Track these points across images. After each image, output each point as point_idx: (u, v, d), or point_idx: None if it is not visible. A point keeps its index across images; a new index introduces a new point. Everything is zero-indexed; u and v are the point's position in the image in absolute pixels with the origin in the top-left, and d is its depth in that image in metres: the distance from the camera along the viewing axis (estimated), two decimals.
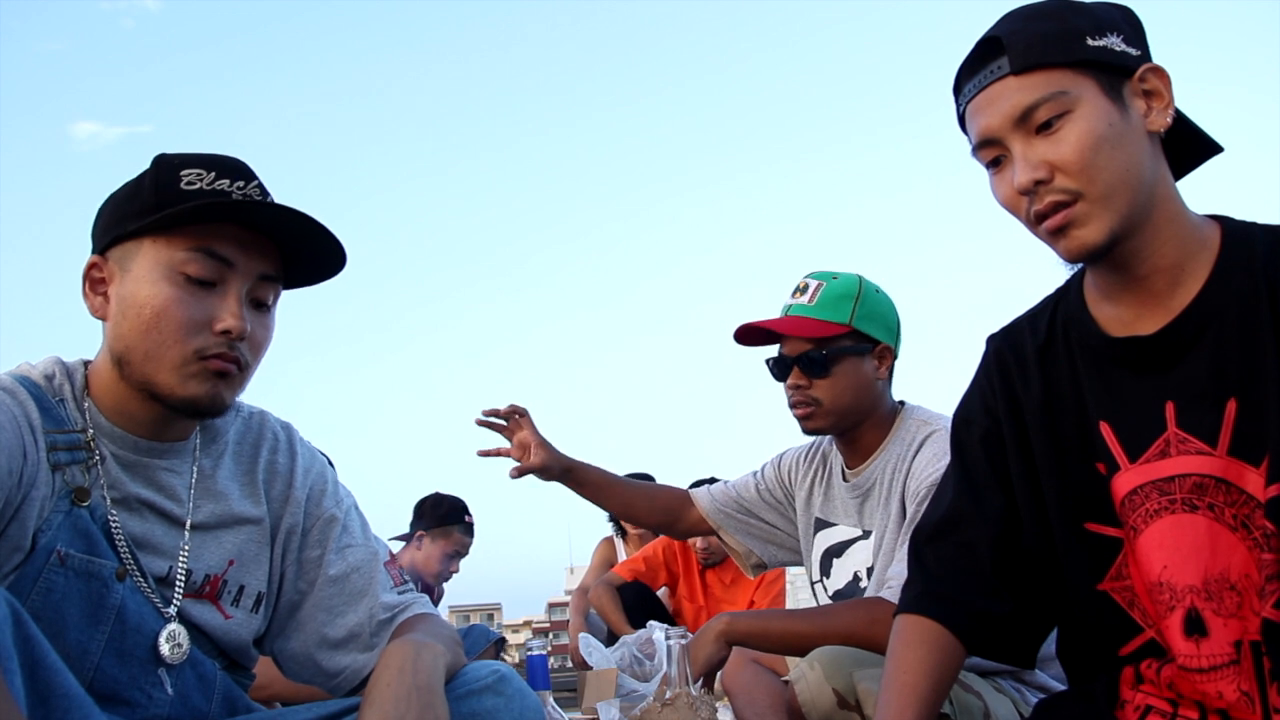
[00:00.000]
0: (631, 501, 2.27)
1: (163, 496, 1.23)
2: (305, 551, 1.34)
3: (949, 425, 1.86)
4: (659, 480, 4.71)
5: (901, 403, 2.01)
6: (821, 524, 2.06)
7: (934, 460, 1.80)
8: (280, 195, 1.31)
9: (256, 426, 1.37)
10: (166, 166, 1.21)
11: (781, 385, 2.00)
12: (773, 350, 2.03)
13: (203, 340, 1.17)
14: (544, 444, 2.13)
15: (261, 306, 1.25)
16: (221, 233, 1.19)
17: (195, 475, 1.26)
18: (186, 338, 1.17)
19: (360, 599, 1.32)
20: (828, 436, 2.08)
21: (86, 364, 1.26)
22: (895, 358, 1.99)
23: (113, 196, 1.24)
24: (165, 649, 1.17)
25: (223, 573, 1.26)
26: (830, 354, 1.90)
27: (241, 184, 1.21)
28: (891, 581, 1.74)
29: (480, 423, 2.16)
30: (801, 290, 1.97)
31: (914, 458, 1.86)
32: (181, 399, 1.18)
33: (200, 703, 1.22)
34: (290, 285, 1.31)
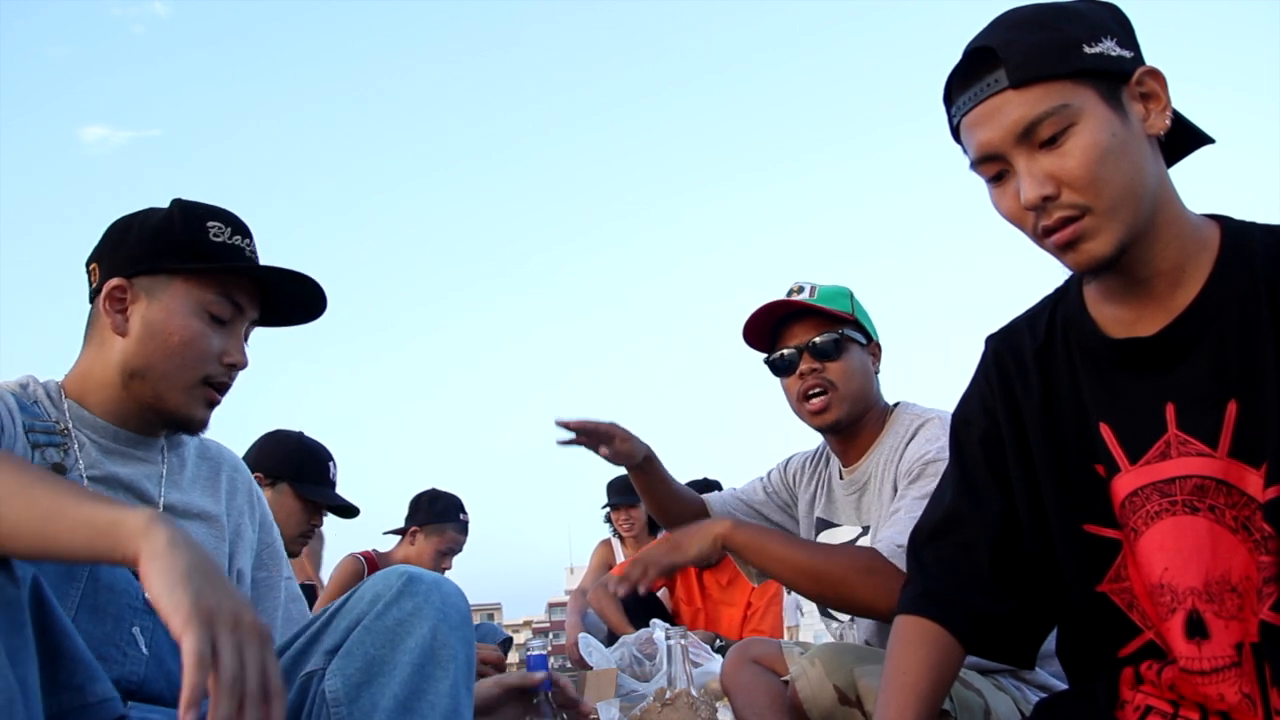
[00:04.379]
0: (668, 506, 2.26)
1: (139, 476, 1.35)
2: (256, 571, 1.49)
3: (944, 416, 1.90)
4: None
5: (897, 403, 2.05)
6: (824, 524, 2.08)
7: (928, 442, 1.83)
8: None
9: (215, 448, 1.52)
10: (192, 215, 1.39)
11: (783, 387, 2.03)
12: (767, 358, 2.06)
13: (212, 368, 1.37)
14: (629, 434, 2.08)
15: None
16: (239, 283, 1.40)
17: (165, 467, 1.40)
18: (203, 364, 1.36)
19: (294, 625, 1.44)
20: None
21: (59, 382, 1.38)
22: (880, 359, 2.07)
23: (138, 225, 1.39)
24: None
25: None
26: (842, 336, 1.97)
27: (248, 241, 1.43)
28: (882, 542, 1.71)
29: (565, 425, 2.05)
30: (798, 290, 2.02)
31: (907, 446, 1.89)
32: (184, 417, 1.37)
33: (174, 666, 1.23)
34: (264, 324, 1.50)
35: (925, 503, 1.66)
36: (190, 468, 1.45)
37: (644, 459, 2.12)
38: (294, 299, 1.48)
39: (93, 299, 1.39)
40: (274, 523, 1.56)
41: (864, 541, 1.95)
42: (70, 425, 1.32)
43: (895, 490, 1.87)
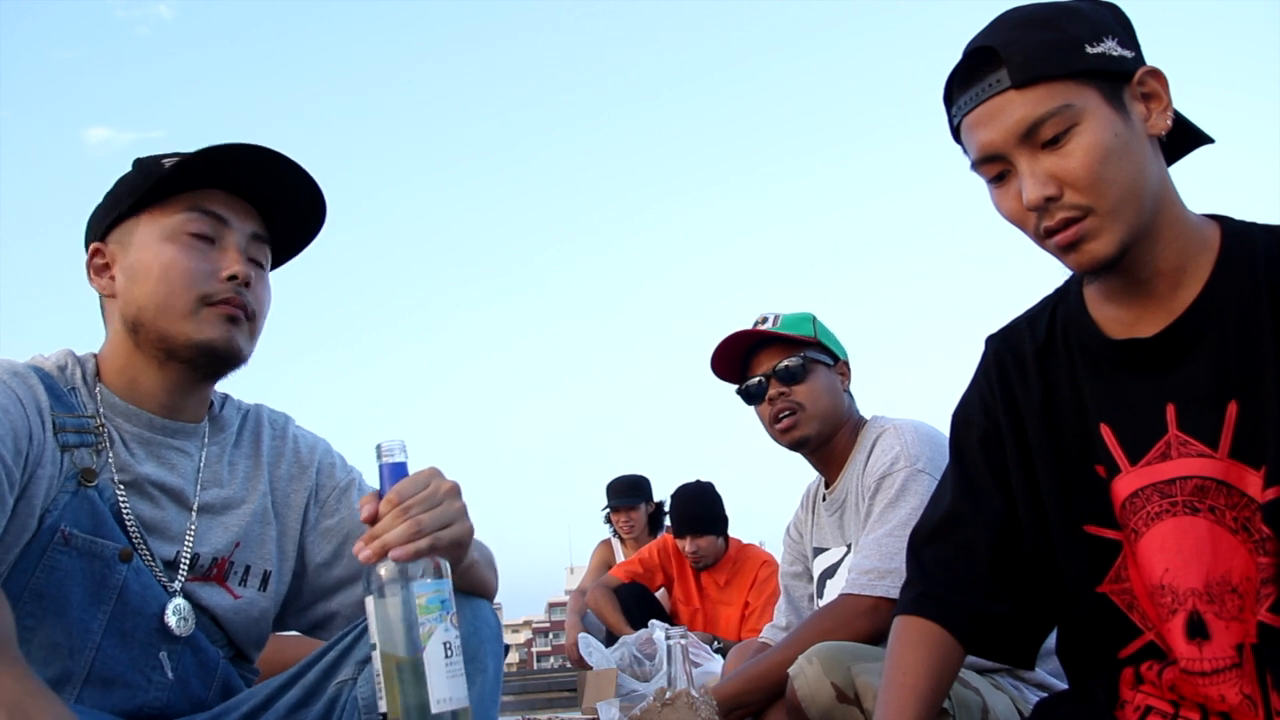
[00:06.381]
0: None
1: (174, 476, 1.28)
2: (324, 521, 1.40)
3: (900, 425, 1.97)
4: (657, 484, 4.77)
5: (871, 417, 2.12)
6: (818, 551, 2.15)
7: (882, 455, 1.92)
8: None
9: (255, 417, 1.43)
10: (147, 159, 1.31)
11: (757, 414, 2.09)
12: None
13: (210, 287, 1.26)
14: None
15: (259, 266, 1.33)
16: (210, 195, 1.29)
17: (204, 458, 1.32)
18: (194, 285, 1.25)
19: None
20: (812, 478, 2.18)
21: (95, 356, 1.31)
22: (850, 377, 2.14)
23: (103, 199, 1.34)
24: (172, 620, 1.21)
25: (229, 554, 1.30)
26: (806, 359, 2.04)
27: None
28: (851, 573, 1.81)
29: None
30: (762, 321, 2.10)
31: (868, 461, 1.97)
32: (199, 344, 1.25)
33: (199, 689, 1.24)
34: (283, 254, 1.41)
35: (890, 513, 1.82)
36: (233, 450, 1.37)
37: None
38: (288, 208, 1.35)
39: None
40: (336, 465, 1.45)
41: (850, 560, 1.99)
42: (103, 418, 1.24)
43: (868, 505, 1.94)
